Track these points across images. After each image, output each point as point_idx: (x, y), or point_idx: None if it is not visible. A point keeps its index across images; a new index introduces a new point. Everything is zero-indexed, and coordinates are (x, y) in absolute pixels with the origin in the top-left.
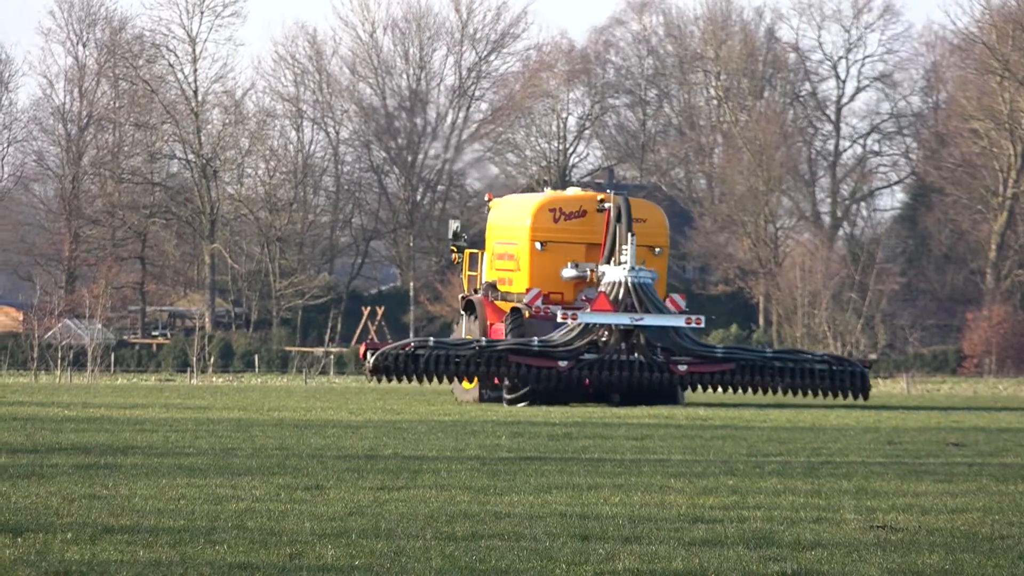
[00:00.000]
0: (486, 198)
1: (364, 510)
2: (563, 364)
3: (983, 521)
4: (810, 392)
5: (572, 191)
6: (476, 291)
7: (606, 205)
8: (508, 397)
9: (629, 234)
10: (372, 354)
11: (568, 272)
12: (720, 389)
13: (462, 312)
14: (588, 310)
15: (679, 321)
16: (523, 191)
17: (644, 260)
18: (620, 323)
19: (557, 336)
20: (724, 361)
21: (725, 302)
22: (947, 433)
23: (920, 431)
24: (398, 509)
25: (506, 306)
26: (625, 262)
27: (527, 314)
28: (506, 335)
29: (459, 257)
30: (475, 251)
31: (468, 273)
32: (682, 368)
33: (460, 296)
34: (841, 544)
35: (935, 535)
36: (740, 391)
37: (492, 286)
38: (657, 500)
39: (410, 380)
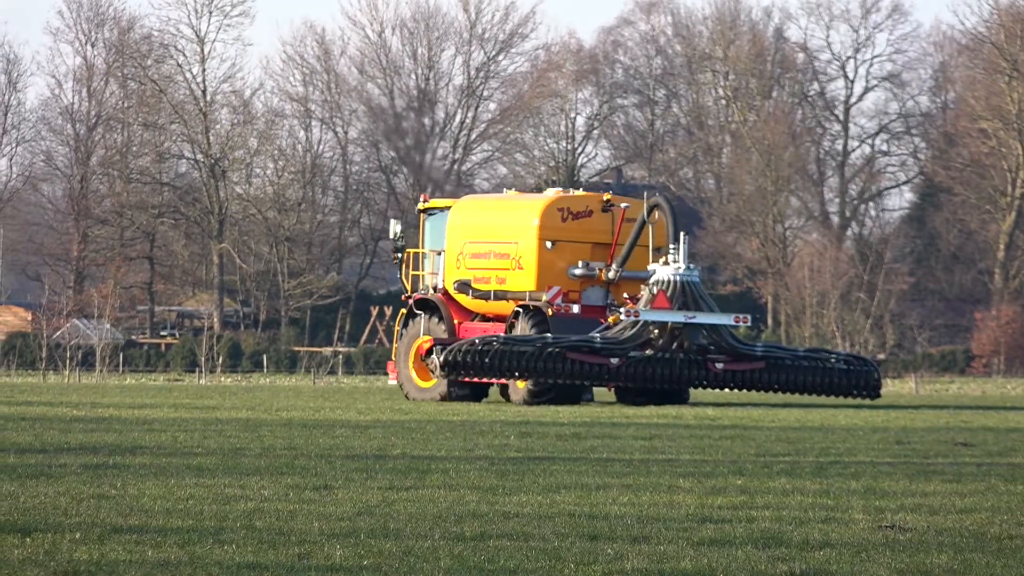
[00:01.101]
0: (422, 199)
1: (373, 510)
2: (614, 361)
3: (992, 521)
4: (830, 391)
5: (552, 192)
6: (434, 289)
7: (611, 205)
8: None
9: (682, 233)
10: (440, 351)
11: (577, 271)
12: (749, 388)
13: (417, 311)
14: (648, 307)
15: (728, 319)
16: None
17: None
18: (677, 320)
19: (613, 333)
20: (757, 359)
21: (734, 302)
22: (956, 433)
23: (929, 431)
24: (407, 509)
25: (495, 306)
26: (677, 261)
27: (549, 312)
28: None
29: (399, 257)
30: (418, 251)
31: (413, 272)
32: (719, 366)
33: (405, 296)
34: (850, 544)
35: (944, 535)
36: (767, 391)
37: (466, 284)
38: (666, 500)
39: (480, 377)
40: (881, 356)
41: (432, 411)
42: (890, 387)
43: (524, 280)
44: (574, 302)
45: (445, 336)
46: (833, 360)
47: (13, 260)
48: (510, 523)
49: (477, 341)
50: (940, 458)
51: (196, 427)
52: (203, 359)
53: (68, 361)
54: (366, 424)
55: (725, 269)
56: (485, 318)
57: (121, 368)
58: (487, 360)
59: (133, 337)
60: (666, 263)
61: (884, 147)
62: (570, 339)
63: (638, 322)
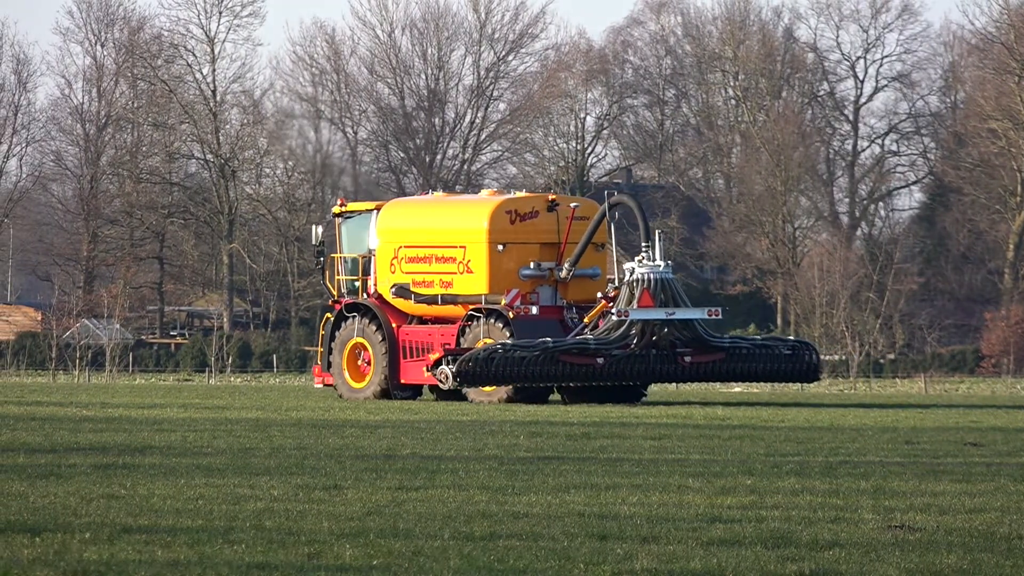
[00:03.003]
0: (339, 203)
1: (382, 510)
2: (599, 360)
3: (1001, 521)
4: (777, 378)
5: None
6: (367, 294)
7: (557, 205)
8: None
9: (657, 231)
10: (452, 360)
11: (528, 271)
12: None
13: (349, 315)
14: (634, 306)
15: (702, 314)
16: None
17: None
18: (658, 318)
19: (600, 332)
20: (719, 351)
21: (743, 302)
22: (965, 433)
23: (938, 431)
24: (416, 509)
25: (442, 310)
26: (653, 259)
27: (511, 314)
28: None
29: (321, 262)
30: (343, 256)
31: (339, 277)
32: (687, 360)
33: (332, 300)
34: (859, 544)
35: (953, 535)
36: (726, 380)
37: (405, 288)
38: (675, 500)
39: (493, 384)
40: (891, 356)
41: (441, 411)
42: (899, 387)
43: (475, 283)
44: (532, 303)
45: (379, 338)
46: (781, 348)
47: (23, 260)
48: (520, 523)
49: (484, 350)
50: (949, 458)
51: (206, 427)
52: (213, 359)
53: (78, 361)
54: (376, 424)
55: (735, 269)
56: (422, 320)
57: (131, 368)
58: (493, 367)
59: (143, 337)
60: (641, 261)
61: (894, 147)
62: (566, 341)
63: (624, 321)
